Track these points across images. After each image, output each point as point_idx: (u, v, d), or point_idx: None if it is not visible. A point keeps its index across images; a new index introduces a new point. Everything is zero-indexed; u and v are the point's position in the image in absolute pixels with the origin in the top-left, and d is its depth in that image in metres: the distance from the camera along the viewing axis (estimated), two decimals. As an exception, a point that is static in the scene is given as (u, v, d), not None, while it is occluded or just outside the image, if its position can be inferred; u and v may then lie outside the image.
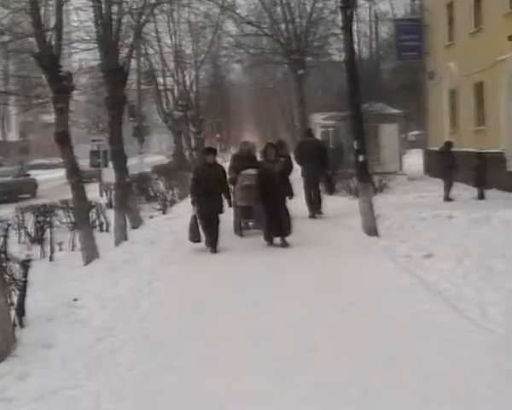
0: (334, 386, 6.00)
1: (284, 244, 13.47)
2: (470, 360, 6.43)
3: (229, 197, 14.02)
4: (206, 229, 13.70)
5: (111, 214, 17.16)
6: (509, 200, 18.60)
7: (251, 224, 15.59)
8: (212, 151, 14.35)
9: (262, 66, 44.03)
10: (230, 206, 14.27)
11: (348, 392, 5.86)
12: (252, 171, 14.89)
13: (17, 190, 31.67)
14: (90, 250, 13.46)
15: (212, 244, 13.54)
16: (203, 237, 13.85)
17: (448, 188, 20.28)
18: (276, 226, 13.51)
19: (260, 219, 13.97)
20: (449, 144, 21.32)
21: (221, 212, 13.80)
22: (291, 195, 13.88)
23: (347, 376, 6.24)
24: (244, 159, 15.86)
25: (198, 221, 13.66)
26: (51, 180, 42.62)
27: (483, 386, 5.81)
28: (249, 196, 14.73)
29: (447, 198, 20.06)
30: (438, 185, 21.89)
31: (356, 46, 30.92)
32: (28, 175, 37.27)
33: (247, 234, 15.39)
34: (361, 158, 14.66)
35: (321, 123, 39.13)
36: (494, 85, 22.69)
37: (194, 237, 13.71)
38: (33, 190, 35.26)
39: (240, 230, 15.57)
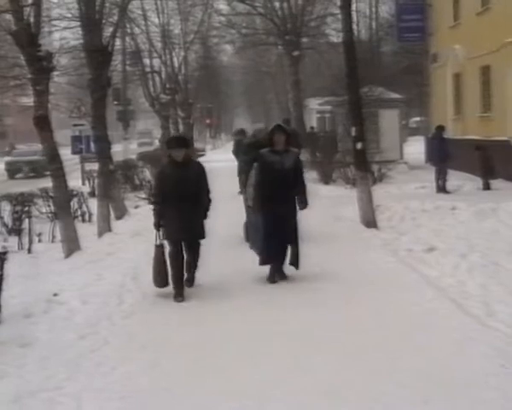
0: (332, 390, 5.98)
1: (283, 276, 10.22)
2: (475, 361, 6.42)
3: (207, 209, 9.97)
4: (175, 262, 9.63)
5: (94, 204, 17.10)
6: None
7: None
8: (182, 143, 9.75)
9: (255, 47, 43.99)
10: (204, 219, 10.01)
11: (348, 393, 5.85)
12: None
13: (43, 168, 33.85)
14: (71, 242, 13.40)
15: (186, 284, 9.82)
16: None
17: (443, 178, 20.18)
18: (280, 250, 10.19)
19: (256, 238, 10.57)
20: (441, 129, 21.18)
21: (201, 237, 9.87)
22: (305, 203, 10.25)
23: (347, 376, 6.23)
24: (258, 147, 14.55)
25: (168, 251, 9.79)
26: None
27: (488, 388, 5.80)
28: None
29: (442, 189, 19.94)
30: (440, 175, 21.87)
31: (355, 27, 30.94)
32: None
33: None
34: (359, 145, 14.63)
35: (317, 108, 39.25)
36: (502, 69, 22.65)
37: (163, 281, 9.65)
38: None
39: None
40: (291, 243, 10.16)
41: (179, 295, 9.39)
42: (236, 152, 23.92)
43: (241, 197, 22.42)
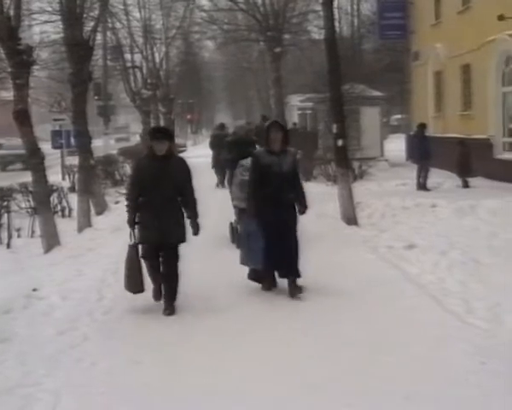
0: (315, 385, 5.99)
1: (295, 291, 8.95)
2: (455, 358, 6.45)
3: (195, 215, 8.73)
4: (152, 271, 8.82)
5: (74, 199, 17.01)
6: (495, 188, 18.72)
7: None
8: (165, 134, 8.71)
9: (236, 43, 43.85)
10: (196, 233, 8.76)
11: (330, 390, 5.85)
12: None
13: None
14: (51, 237, 13.34)
15: (166, 298, 8.63)
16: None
17: (424, 176, 20.24)
18: (279, 261, 9.05)
19: (250, 249, 9.24)
20: (422, 127, 21.22)
21: (181, 240, 8.68)
22: (304, 208, 9.35)
23: (330, 371, 6.24)
24: (240, 144, 13.65)
25: (141, 256, 8.75)
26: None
27: (468, 385, 5.82)
28: None
29: (423, 186, 20.01)
30: (421, 172, 21.95)
31: (336, 24, 30.91)
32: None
33: None
34: (340, 142, 14.65)
35: (298, 105, 39.18)
36: (482, 68, 22.77)
37: (136, 286, 8.67)
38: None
39: (237, 237, 12.21)
40: (293, 252, 9.00)
41: (169, 312, 8.42)
42: (213, 145, 24.64)
43: (219, 190, 22.82)
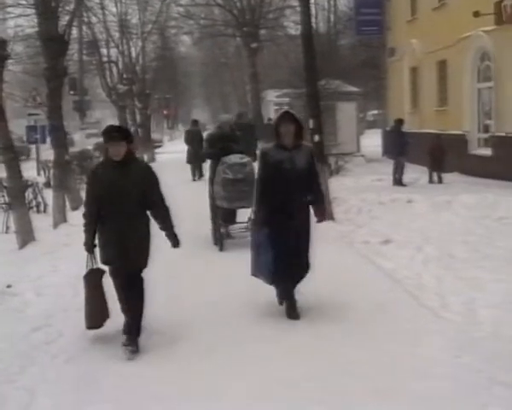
0: (289, 382, 5.99)
1: (293, 311, 7.89)
2: (429, 353, 6.48)
3: (170, 226, 7.38)
4: (122, 293, 7.22)
5: (49, 194, 16.90)
6: (470, 184, 18.85)
7: (234, 232, 12.51)
8: (122, 134, 7.15)
9: (213, 38, 43.85)
10: (175, 246, 7.46)
11: (303, 386, 5.86)
12: (237, 158, 11.83)
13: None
14: (26, 233, 13.25)
15: (127, 332, 7.13)
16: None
17: (400, 171, 20.31)
18: (289, 269, 7.84)
19: (259, 261, 8.05)
20: (399, 122, 21.27)
21: (143, 266, 7.28)
22: (322, 215, 8.28)
23: (303, 369, 6.24)
24: (224, 139, 12.35)
25: (102, 282, 7.42)
26: None
27: (442, 379, 5.86)
28: (233, 195, 11.60)
29: (399, 182, 20.08)
30: (397, 168, 22.03)
31: (313, 19, 30.94)
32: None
33: (229, 246, 12.03)
34: (316, 138, 14.66)
35: (274, 100, 39.23)
36: (458, 64, 22.91)
37: (98, 319, 7.37)
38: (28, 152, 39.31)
39: (220, 240, 11.98)
40: (305, 264, 7.99)
41: (131, 350, 6.90)
42: (187, 140, 26.06)
43: (195, 183, 23.03)
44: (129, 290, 7.14)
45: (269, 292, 8.22)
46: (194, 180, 24.62)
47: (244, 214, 11.95)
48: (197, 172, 24.79)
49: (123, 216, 6.98)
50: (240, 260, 9.54)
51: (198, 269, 10.43)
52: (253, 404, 5.65)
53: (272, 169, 7.75)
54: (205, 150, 12.84)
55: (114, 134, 7.07)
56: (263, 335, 7.27)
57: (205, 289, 9.20)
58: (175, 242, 7.42)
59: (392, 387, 5.77)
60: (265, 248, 7.84)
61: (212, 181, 12.14)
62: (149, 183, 7.19)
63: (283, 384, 5.90)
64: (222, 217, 12.16)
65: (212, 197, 12.12)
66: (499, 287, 8.44)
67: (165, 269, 9.50)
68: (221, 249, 11.85)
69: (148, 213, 7.29)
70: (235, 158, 11.74)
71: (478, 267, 9.50)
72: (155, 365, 6.53)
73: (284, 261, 7.74)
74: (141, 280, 7.30)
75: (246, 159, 11.88)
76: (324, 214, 8.28)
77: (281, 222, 7.70)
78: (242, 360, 6.60)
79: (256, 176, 8.19)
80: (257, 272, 8.12)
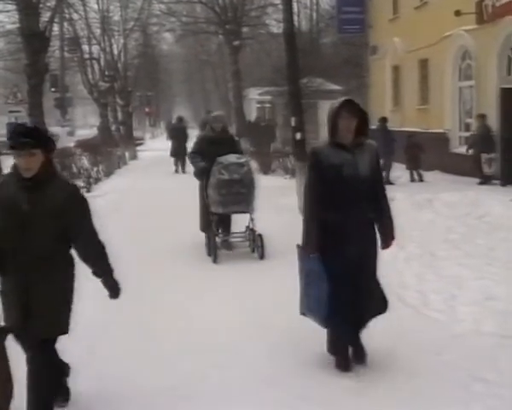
0: (269, 376, 6.00)
1: (361, 356, 6.30)
2: (410, 350, 6.51)
3: (107, 270, 5.41)
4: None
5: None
6: (451, 182, 18.93)
7: (231, 240, 11.51)
8: (34, 139, 4.92)
9: (195, 36, 43.79)
10: (115, 296, 5.54)
11: (284, 383, 5.88)
12: (233, 157, 10.80)
13: None
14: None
15: None
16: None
17: (387, 169, 20.34)
18: (351, 307, 6.08)
19: (309, 295, 6.22)
20: (384, 120, 21.30)
21: (57, 331, 5.28)
22: (391, 236, 6.30)
23: (281, 365, 6.25)
24: (218, 142, 11.08)
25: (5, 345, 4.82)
26: None
27: (423, 376, 5.88)
28: (229, 198, 10.63)
29: (386, 180, 20.08)
30: (379, 166, 22.06)
31: (295, 17, 31.01)
32: None
33: (224, 256, 10.96)
34: (298, 136, 14.71)
35: (257, 98, 39.22)
36: (439, 62, 23.00)
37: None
38: None
39: (215, 251, 10.75)
40: (377, 299, 6.35)
41: None
42: (171, 136, 28.67)
43: (179, 175, 23.32)
44: (32, 362, 5.08)
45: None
46: (176, 172, 26.80)
47: (242, 221, 11.31)
48: (180, 166, 26.85)
49: (31, 258, 4.92)
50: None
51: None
52: None
53: (327, 176, 5.91)
54: (192, 160, 11.35)
55: (23, 140, 4.87)
56: None
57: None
58: (114, 291, 5.44)
59: (373, 384, 5.79)
60: (318, 280, 5.95)
61: (203, 185, 11.11)
62: (74, 211, 5.01)
63: None
64: (217, 224, 11.18)
65: (206, 203, 11.05)
66: (480, 284, 8.48)
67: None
68: (215, 261, 10.63)
69: (74, 252, 5.27)
70: (231, 157, 10.72)
71: (459, 265, 9.55)
72: (134, 361, 6.50)
73: (343, 297, 5.95)
74: (49, 351, 5.20)
75: (243, 158, 10.98)
76: (392, 236, 6.27)
77: (338, 245, 5.95)
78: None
79: (306, 182, 6.19)
80: (306, 310, 6.28)
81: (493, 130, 18.92)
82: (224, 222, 11.42)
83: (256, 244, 10.96)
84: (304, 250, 6.19)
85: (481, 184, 18.42)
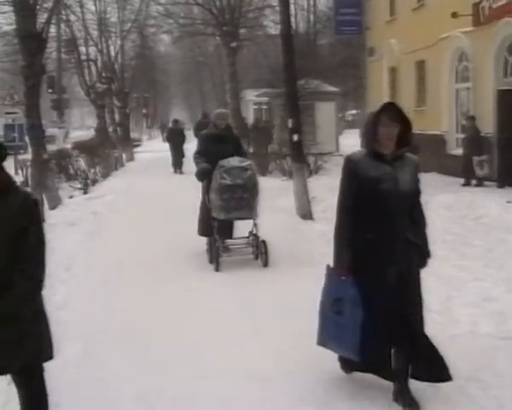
0: (270, 378, 6.00)
1: (409, 401, 5.42)
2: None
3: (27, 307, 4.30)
4: None
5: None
6: (448, 183, 18.94)
7: (233, 246, 10.99)
8: None
9: (192, 37, 43.75)
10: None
11: (283, 384, 5.87)
12: (236, 161, 10.41)
13: None
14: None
15: None
16: None
17: None
18: (389, 339, 5.45)
19: (336, 325, 5.54)
20: None
21: (40, 357, 4.57)
22: (426, 255, 5.75)
23: (281, 366, 6.24)
24: (222, 139, 10.83)
25: None
26: None
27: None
28: (232, 203, 10.21)
29: None
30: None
31: (292, 19, 31.01)
32: None
33: (226, 264, 10.42)
34: (295, 137, 14.69)
35: (254, 100, 39.26)
36: (436, 64, 23.03)
37: None
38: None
39: (216, 258, 10.26)
40: (417, 331, 5.43)
41: None
42: (168, 138, 29.30)
43: (177, 175, 23.63)
44: (22, 393, 4.52)
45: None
46: (175, 172, 27.27)
47: (245, 226, 10.90)
48: (177, 167, 27.45)
49: None
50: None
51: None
52: None
53: (363, 189, 5.26)
54: (196, 161, 10.88)
55: None
56: None
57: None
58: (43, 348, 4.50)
59: (371, 384, 5.79)
60: (351, 307, 5.29)
61: (206, 189, 10.71)
62: (27, 224, 4.19)
63: None
64: (220, 231, 10.58)
65: (207, 207, 10.63)
66: (477, 286, 8.51)
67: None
68: (217, 269, 10.17)
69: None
70: (234, 161, 10.31)
71: (455, 266, 9.57)
72: (131, 365, 6.49)
73: (380, 328, 5.23)
74: (32, 385, 4.57)
75: (246, 162, 10.49)
76: (428, 254, 5.69)
77: (375, 267, 5.28)
78: None
79: (339, 195, 5.48)
80: (331, 340, 5.60)
81: (485, 132, 19.00)
82: (226, 227, 10.93)
83: (260, 251, 10.47)
84: (335, 272, 5.56)
85: (465, 185, 18.59)
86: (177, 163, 27.47)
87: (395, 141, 5.30)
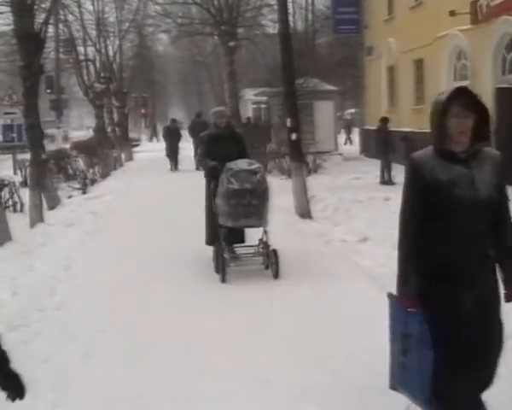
0: (265, 377, 6.00)
1: None
2: (407, 350, 6.51)
3: None
4: None
5: (26, 194, 16.79)
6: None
7: (241, 253, 10.26)
8: None
9: (191, 37, 43.71)
10: (18, 397, 3.75)
11: (279, 383, 5.87)
12: (244, 163, 9.66)
13: None
14: (2, 232, 13.13)
15: None
16: None
17: (388, 169, 20.39)
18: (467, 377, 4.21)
19: (403, 365, 4.33)
20: (385, 121, 21.38)
21: None
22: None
23: (277, 365, 6.25)
24: (223, 139, 10.31)
25: None
26: None
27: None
28: (240, 210, 9.41)
29: (388, 181, 20.14)
30: (374, 166, 22.14)
31: (291, 18, 31.05)
32: None
33: (234, 274, 9.67)
34: (294, 136, 14.69)
35: (252, 99, 39.27)
36: (434, 62, 23.05)
37: None
38: None
39: (223, 268, 9.46)
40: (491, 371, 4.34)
41: None
42: (165, 137, 31.23)
43: (173, 173, 23.80)
44: None
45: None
46: (171, 170, 29.14)
47: (254, 233, 10.19)
48: (173, 165, 29.50)
49: None
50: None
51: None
52: None
53: (433, 196, 4.17)
54: (201, 163, 10.47)
55: None
56: None
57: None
58: (16, 392, 3.82)
59: (369, 384, 5.79)
60: (419, 346, 4.19)
61: (210, 194, 10.06)
62: None
63: None
64: (225, 238, 9.87)
65: (213, 213, 9.95)
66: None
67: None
68: (223, 280, 9.40)
69: None
70: (242, 163, 9.58)
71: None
72: (130, 364, 6.50)
73: (456, 367, 4.19)
74: None
75: (255, 165, 9.73)
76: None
77: (449, 296, 4.19)
78: None
79: (402, 205, 4.44)
80: (400, 383, 4.45)
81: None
82: (236, 234, 10.19)
83: (270, 261, 9.70)
84: (399, 302, 4.39)
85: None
86: (173, 160, 29.54)
87: (470, 135, 4.14)
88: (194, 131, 27.00)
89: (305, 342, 6.86)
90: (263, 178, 9.66)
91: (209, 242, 10.40)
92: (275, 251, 9.59)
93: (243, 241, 10.37)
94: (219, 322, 7.67)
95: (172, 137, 30.19)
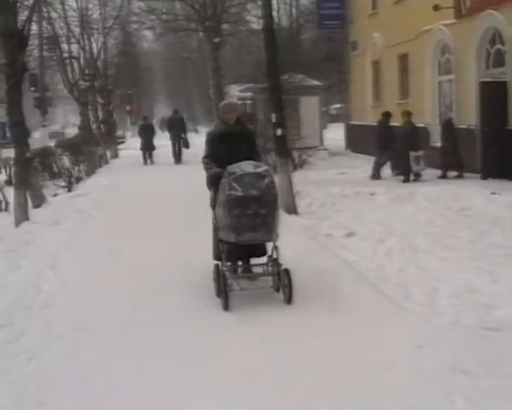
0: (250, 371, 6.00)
1: None
2: (392, 343, 6.52)
3: None
4: None
5: (10, 192, 16.72)
6: (432, 176, 18.99)
7: (244, 273, 8.91)
8: None
9: (175, 33, 43.69)
10: None
11: (261, 380, 5.87)
12: (250, 166, 8.01)
13: None
14: (-13, 231, 13.10)
15: None
16: None
17: (382, 164, 20.26)
18: None
19: None
20: (387, 115, 21.15)
21: None
22: None
23: (258, 362, 6.25)
24: (231, 137, 8.67)
25: None
26: None
27: (405, 369, 5.89)
28: (245, 221, 7.77)
29: (377, 176, 19.98)
30: (360, 161, 22.23)
31: (275, 13, 31.05)
32: None
33: (238, 298, 8.13)
34: (279, 132, 14.69)
35: (238, 95, 39.19)
36: (419, 57, 23.11)
37: None
38: None
39: (225, 292, 7.82)
40: None
41: None
42: (140, 134, 33.17)
43: (148, 166, 23.68)
44: None
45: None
46: (145, 164, 31.21)
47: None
48: (148, 157, 31.65)
49: None
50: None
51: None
52: None
53: None
54: (205, 166, 8.69)
55: None
56: None
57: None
58: None
59: (356, 378, 5.80)
60: None
61: (214, 202, 8.44)
62: None
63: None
64: (227, 256, 8.29)
65: (216, 227, 8.50)
66: (461, 277, 8.53)
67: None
68: (226, 307, 7.79)
69: None
70: (246, 166, 7.97)
71: (440, 258, 9.60)
72: (115, 365, 6.48)
73: None
74: None
75: (263, 167, 8.10)
76: None
77: None
78: None
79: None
80: None
81: (468, 124, 19.08)
82: (242, 251, 8.54)
83: (282, 283, 8.16)
84: None
85: (441, 177, 18.66)
86: (148, 154, 31.69)
87: None
88: (171, 127, 31.15)
89: (282, 335, 6.87)
90: (272, 183, 8.04)
91: (217, 257, 8.61)
92: (287, 271, 8.00)
93: (264, 254, 8.66)
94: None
95: (147, 134, 32.12)
